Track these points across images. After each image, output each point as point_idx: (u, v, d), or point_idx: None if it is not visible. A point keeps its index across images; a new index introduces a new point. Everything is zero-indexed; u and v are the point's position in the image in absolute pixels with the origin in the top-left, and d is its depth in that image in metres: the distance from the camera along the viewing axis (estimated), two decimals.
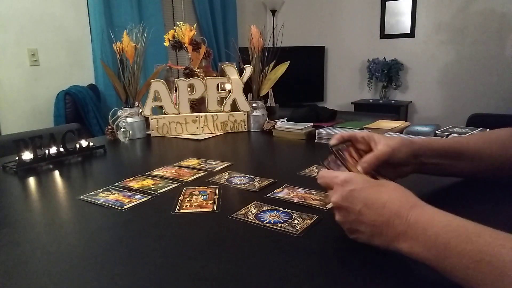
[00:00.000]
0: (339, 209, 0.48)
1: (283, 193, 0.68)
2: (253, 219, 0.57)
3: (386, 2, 3.78)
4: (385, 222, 0.43)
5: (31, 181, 0.82)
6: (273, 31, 3.95)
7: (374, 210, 0.44)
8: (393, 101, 3.81)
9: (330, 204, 0.56)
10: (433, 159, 0.63)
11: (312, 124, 1.20)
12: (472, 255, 0.35)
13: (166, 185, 0.75)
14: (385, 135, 0.62)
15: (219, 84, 1.29)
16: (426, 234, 0.39)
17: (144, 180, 0.78)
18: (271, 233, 0.53)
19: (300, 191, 0.68)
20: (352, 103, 3.88)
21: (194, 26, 1.40)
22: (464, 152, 0.64)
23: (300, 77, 3.91)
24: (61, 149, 0.96)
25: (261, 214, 0.58)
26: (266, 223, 0.55)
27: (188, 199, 0.67)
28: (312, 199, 0.64)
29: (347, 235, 0.48)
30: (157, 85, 1.23)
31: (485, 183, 0.68)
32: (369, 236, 0.45)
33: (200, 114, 1.28)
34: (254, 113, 1.30)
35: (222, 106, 1.28)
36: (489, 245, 0.35)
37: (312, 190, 0.68)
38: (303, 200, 0.64)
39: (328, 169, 0.56)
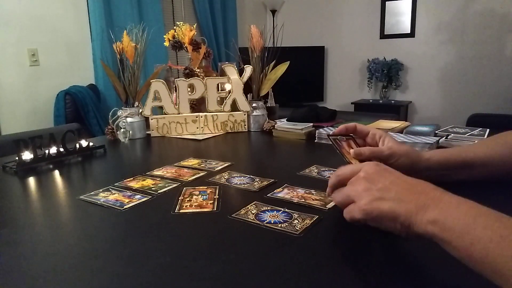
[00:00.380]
0: (368, 178, 0.48)
1: (283, 193, 0.68)
2: (253, 219, 0.57)
3: (386, 2, 3.78)
4: (418, 191, 0.44)
5: (31, 181, 0.82)
6: (273, 31, 3.95)
7: (406, 185, 0.45)
8: (393, 101, 3.81)
9: (330, 204, 0.56)
10: (438, 171, 0.65)
11: (312, 124, 1.20)
12: (498, 230, 0.36)
13: (166, 185, 0.75)
14: (399, 141, 0.63)
15: (219, 84, 1.29)
16: (458, 208, 0.40)
17: (144, 180, 0.78)
18: (271, 233, 0.53)
19: (300, 191, 0.68)
20: (352, 103, 3.88)
21: (194, 26, 1.40)
22: (472, 161, 0.65)
23: (300, 77, 3.91)
24: (61, 149, 0.96)
25: (261, 214, 0.58)
26: (266, 223, 0.55)
27: (188, 199, 0.67)
28: (312, 199, 0.64)
29: (350, 221, 0.48)
30: (157, 85, 1.23)
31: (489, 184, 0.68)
32: (395, 202, 0.44)
33: (200, 114, 1.28)
34: (254, 113, 1.30)
35: (222, 106, 1.28)
36: None
37: (312, 190, 0.68)
38: (303, 200, 0.64)
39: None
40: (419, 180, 0.46)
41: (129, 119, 1.21)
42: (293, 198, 0.65)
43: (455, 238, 0.38)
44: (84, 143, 1.01)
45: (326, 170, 0.81)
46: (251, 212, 0.60)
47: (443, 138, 0.97)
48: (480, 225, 0.37)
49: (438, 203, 0.41)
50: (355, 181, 0.49)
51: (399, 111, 3.57)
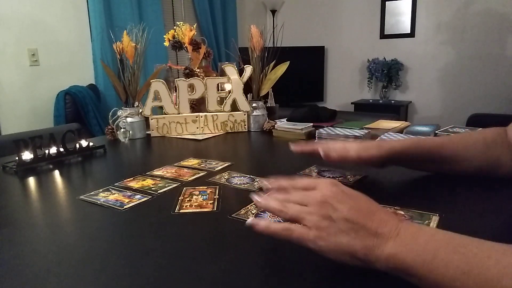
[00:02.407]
0: (322, 205, 0.42)
1: None
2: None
3: (386, 2, 3.78)
4: (374, 227, 0.40)
5: (31, 181, 0.82)
6: (273, 31, 3.95)
7: (363, 214, 0.41)
8: (393, 101, 3.81)
9: (250, 219, 0.47)
10: (406, 162, 0.71)
11: (312, 124, 1.20)
12: (460, 266, 0.35)
13: (166, 185, 0.75)
14: (364, 146, 0.68)
15: (219, 84, 1.29)
16: (415, 242, 0.38)
17: (144, 180, 0.78)
18: None
19: None
20: (352, 103, 3.88)
21: (194, 26, 1.40)
22: (439, 157, 0.68)
23: (300, 77, 3.91)
24: (61, 149, 0.96)
25: (261, 214, 0.58)
26: None
27: (188, 199, 0.67)
28: None
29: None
30: (157, 85, 1.23)
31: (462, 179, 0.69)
32: (352, 236, 0.40)
33: (200, 114, 1.28)
34: (254, 113, 1.30)
35: (222, 106, 1.28)
36: (476, 256, 0.35)
37: None
38: None
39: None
40: (377, 205, 0.44)
41: (129, 119, 1.21)
42: None
43: (419, 277, 0.37)
44: (84, 143, 1.01)
45: (326, 170, 0.81)
46: (251, 212, 0.60)
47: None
48: (440, 263, 0.36)
49: (395, 237, 0.39)
50: (312, 202, 0.43)
51: (399, 111, 3.57)
